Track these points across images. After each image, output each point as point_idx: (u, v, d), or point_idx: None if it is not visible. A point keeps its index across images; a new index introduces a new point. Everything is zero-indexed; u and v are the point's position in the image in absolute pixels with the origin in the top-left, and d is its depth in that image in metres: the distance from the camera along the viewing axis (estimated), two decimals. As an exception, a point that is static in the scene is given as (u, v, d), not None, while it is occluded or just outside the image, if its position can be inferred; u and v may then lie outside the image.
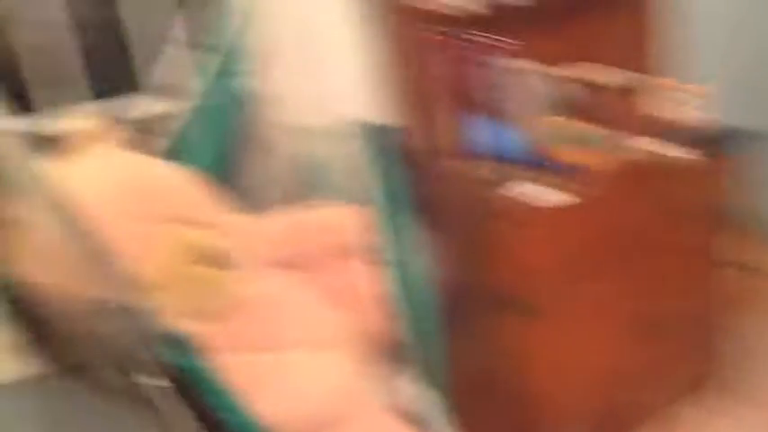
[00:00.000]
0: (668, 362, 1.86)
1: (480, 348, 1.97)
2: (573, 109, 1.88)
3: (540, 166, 1.81)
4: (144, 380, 1.02)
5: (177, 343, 1.05)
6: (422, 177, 1.92)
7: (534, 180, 1.78)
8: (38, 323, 1.14)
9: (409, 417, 1.45)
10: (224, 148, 1.65)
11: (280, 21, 1.64)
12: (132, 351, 1.02)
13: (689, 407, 1.93)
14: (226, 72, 1.63)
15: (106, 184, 1.25)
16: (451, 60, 1.80)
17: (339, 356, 1.37)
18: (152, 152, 1.52)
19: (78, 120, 1.42)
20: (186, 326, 1.10)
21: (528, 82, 1.86)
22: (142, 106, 1.67)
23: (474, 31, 1.81)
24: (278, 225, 1.59)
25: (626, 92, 1.85)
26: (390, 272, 1.35)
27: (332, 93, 1.39)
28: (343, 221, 1.54)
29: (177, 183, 1.36)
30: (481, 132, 1.85)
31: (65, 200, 1.02)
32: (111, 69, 1.98)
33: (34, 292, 1.11)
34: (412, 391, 1.37)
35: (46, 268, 1.07)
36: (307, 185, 1.75)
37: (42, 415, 1.71)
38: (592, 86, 1.88)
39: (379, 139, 1.44)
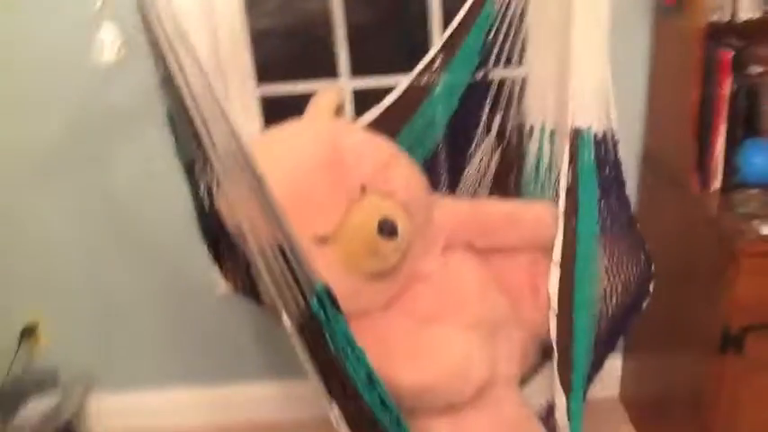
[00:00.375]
0: None
1: (669, 374, 1.84)
2: None
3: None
4: (287, 319, 1.16)
5: (326, 294, 1.15)
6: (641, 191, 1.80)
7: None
8: (228, 252, 1.36)
9: (540, 416, 1.44)
10: (444, 130, 1.74)
11: (531, 20, 1.65)
12: (284, 292, 1.16)
13: None
14: (466, 64, 1.70)
15: (307, 147, 1.39)
16: (727, 75, 1.65)
17: (489, 341, 1.40)
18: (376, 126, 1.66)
19: (326, 90, 1.59)
20: (340, 281, 1.20)
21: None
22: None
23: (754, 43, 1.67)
24: (476, 210, 1.62)
25: None
26: (566, 274, 1.33)
27: (571, 96, 1.38)
28: (540, 219, 1.54)
29: (376, 154, 1.45)
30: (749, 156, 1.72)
31: (257, 160, 1.15)
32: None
33: (230, 225, 1.31)
34: (550, 392, 1.35)
35: (238, 208, 1.24)
36: (518, 179, 1.77)
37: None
38: None
39: (602, 148, 1.41)
